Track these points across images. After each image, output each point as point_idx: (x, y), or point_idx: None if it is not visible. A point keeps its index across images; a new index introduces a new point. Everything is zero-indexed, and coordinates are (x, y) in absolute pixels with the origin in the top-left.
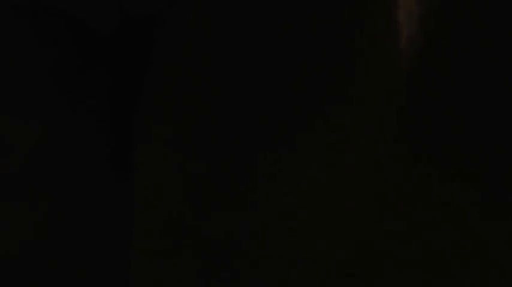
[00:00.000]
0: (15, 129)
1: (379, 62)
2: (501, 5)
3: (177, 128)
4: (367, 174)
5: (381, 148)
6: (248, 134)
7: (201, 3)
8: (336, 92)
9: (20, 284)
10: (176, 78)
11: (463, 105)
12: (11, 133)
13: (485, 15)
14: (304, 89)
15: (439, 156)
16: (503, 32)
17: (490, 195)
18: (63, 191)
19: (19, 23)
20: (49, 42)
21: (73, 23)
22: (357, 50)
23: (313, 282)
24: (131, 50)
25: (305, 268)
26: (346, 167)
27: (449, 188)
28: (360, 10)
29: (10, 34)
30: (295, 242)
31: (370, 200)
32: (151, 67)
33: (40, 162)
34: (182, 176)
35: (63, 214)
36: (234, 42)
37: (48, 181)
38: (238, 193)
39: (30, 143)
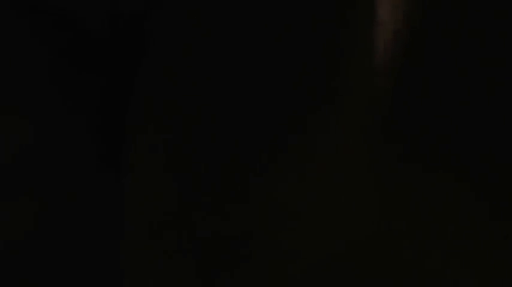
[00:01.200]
0: (8, 127)
1: (365, 60)
2: (490, 0)
3: (171, 128)
4: (360, 173)
5: (372, 146)
6: (242, 134)
7: (198, 3)
8: (323, 91)
9: (11, 282)
10: (170, 78)
11: (452, 103)
12: (4, 131)
13: (473, 11)
14: (296, 88)
15: (430, 155)
16: (492, 27)
17: (484, 193)
18: (54, 191)
19: (15, 21)
20: (44, 41)
21: (67, 22)
22: (343, 48)
23: (308, 279)
24: (124, 49)
25: (300, 265)
26: (340, 166)
27: (442, 188)
28: (346, 8)
29: (5, 32)
30: (289, 240)
31: (365, 199)
32: (145, 66)
33: (32, 161)
34: (176, 176)
35: (54, 214)
36: (229, 43)
37: (40, 179)
38: (232, 192)
39: (23, 141)
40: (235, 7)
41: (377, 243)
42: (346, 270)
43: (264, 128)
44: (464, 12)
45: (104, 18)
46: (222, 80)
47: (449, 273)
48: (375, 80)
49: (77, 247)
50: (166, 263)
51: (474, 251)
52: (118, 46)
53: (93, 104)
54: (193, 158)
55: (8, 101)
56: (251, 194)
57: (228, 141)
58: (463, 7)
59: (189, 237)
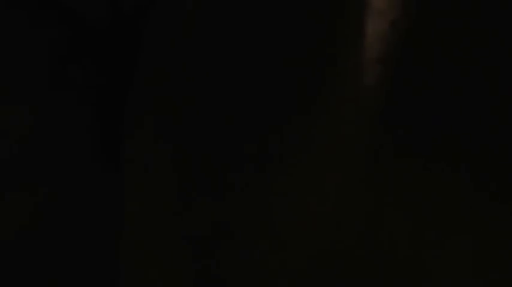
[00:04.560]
0: (9, 120)
1: (362, 50)
2: None
3: (168, 120)
4: (355, 164)
5: (367, 137)
6: (237, 123)
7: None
8: (320, 82)
9: (8, 274)
10: (166, 71)
11: (449, 93)
12: (5, 124)
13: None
14: (291, 79)
15: (427, 147)
16: (491, 16)
17: (483, 186)
18: (53, 186)
19: (12, 11)
20: (42, 32)
21: (66, 13)
22: (340, 38)
23: (299, 266)
24: (123, 45)
25: (293, 253)
26: (334, 157)
27: (439, 180)
28: None
29: (5, 26)
30: (286, 230)
31: (359, 192)
32: (142, 59)
33: (31, 155)
34: (176, 168)
35: (53, 209)
36: (223, 36)
37: (38, 174)
38: (231, 183)
39: (23, 135)
40: (229, 1)
41: (370, 238)
42: (338, 264)
43: (261, 120)
44: (462, 1)
45: (104, 14)
46: (218, 74)
47: (446, 269)
48: (371, 69)
49: (75, 241)
50: (165, 256)
51: (472, 246)
52: (117, 42)
53: (92, 99)
54: (192, 150)
55: (7, 95)
56: (244, 184)
57: (224, 133)
58: None
59: (187, 227)
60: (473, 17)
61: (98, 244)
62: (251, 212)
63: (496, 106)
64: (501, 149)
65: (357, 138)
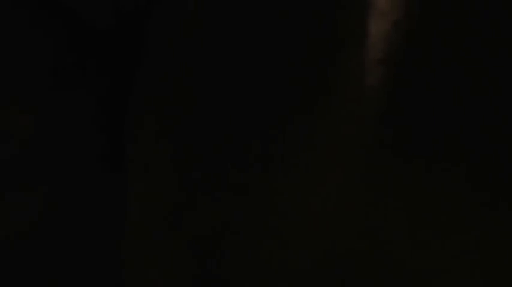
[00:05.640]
0: (9, 121)
1: (365, 50)
2: None
3: (169, 120)
4: (356, 164)
5: (369, 137)
6: (239, 123)
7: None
8: (322, 82)
9: (8, 274)
10: (167, 71)
11: (451, 93)
12: (5, 125)
13: (473, 0)
14: (293, 78)
15: (428, 147)
16: (493, 16)
17: (483, 186)
18: (52, 182)
19: (13, 12)
20: (45, 35)
21: (69, 16)
22: (342, 38)
23: (301, 266)
24: (124, 42)
25: (294, 253)
26: (335, 157)
27: (440, 181)
28: None
29: (6, 26)
30: (284, 227)
31: (359, 190)
32: (143, 60)
33: (34, 156)
34: (174, 166)
35: (55, 207)
36: (225, 36)
37: (38, 170)
38: (231, 184)
39: (23, 135)
40: (225, 2)
41: (370, 238)
42: (339, 264)
43: (263, 120)
44: (464, 1)
45: (105, 14)
46: (220, 74)
47: (446, 269)
48: (374, 70)
49: (75, 241)
50: (166, 255)
51: (472, 246)
52: (118, 42)
53: (93, 100)
54: (193, 150)
55: (8, 96)
56: (247, 184)
57: (226, 133)
58: None
59: (188, 227)
60: (476, 17)
61: (98, 244)
62: (253, 212)
63: (498, 107)
64: (501, 149)
65: (358, 139)
